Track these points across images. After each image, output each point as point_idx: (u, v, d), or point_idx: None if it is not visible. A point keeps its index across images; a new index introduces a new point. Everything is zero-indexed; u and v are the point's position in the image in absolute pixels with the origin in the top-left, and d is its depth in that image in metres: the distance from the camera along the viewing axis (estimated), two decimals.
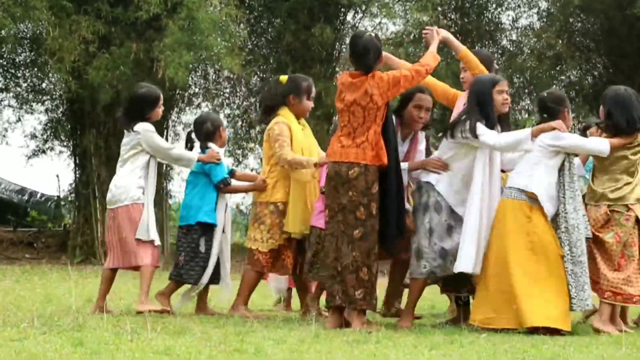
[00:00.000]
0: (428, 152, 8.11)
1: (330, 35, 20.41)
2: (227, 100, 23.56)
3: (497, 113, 7.60)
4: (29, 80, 21.71)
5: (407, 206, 7.82)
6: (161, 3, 17.16)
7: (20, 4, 16.89)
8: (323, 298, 8.72)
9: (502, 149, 7.50)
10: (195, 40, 17.29)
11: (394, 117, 7.74)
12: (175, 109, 22.10)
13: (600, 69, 23.21)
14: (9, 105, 22.22)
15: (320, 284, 8.22)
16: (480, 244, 7.39)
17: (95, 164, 19.84)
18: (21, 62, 21.37)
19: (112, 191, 8.10)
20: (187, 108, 23.13)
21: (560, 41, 22.12)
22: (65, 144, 22.08)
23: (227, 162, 8.42)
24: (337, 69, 21.91)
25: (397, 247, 7.50)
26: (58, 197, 24.34)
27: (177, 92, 20.65)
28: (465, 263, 7.38)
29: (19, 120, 22.28)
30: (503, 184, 7.65)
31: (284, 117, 8.23)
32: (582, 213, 7.40)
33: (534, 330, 7.13)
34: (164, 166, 20.37)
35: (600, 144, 7.49)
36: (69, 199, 23.09)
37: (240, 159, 22.76)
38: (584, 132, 8.60)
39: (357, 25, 22.05)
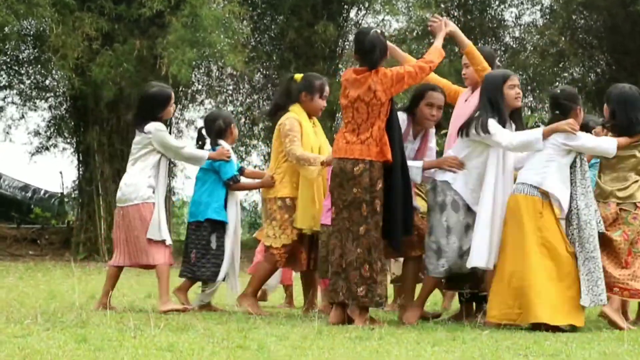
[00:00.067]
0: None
1: (333, 32, 20.44)
2: (230, 97, 23.59)
3: (511, 108, 7.58)
4: (32, 78, 21.74)
5: (418, 205, 7.82)
6: (164, 0, 17.17)
7: (23, 1, 16.90)
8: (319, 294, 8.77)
9: (514, 150, 7.49)
10: (198, 37, 17.32)
11: (405, 115, 7.75)
12: (179, 106, 22.11)
13: (603, 66, 23.21)
14: (13, 103, 22.25)
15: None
16: (492, 240, 7.37)
17: (99, 161, 19.86)
18: (24, 59, 21.39)
19: (122, 189, 8.06)
20: (190, 105, 23.17)
21: (563, 38, 22.14)
22: (68, 140, 22.11)
23: (233, 159, 8.43)
24: (340, 66, 21.94)
25: (402, 244, 7.44)
26: (61, 194, 24.36)
27: (180, 89, 20.69)
28: (478, 258, 7.37)
29: (22, 117, 22.32)
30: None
31: (295, 114, 8.24)
32: (595, 208, 7.39)
33: (536, 327, 7.14)
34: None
35: (612, 144, 7.48)
36: (73, 195, 23.12)
37: (244, 156, 22.79)
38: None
39: (360, 22, 22.08)
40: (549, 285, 7.21)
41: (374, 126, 7.25)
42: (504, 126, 7.44)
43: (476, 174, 7.56)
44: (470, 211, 7.55)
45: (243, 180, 8.58)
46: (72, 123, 21.44)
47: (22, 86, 21.86)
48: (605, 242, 7.49)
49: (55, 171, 49.04)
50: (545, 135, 7.37)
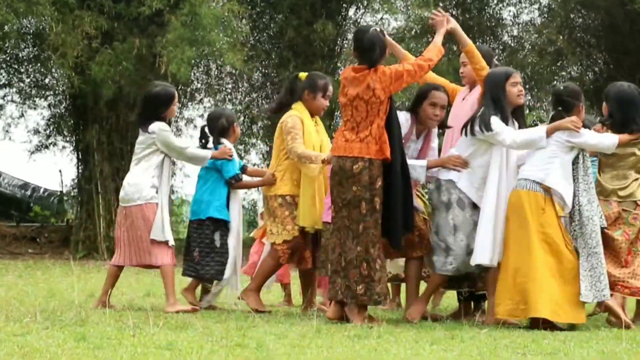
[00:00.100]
0: None
1: (332, 31, 20.44)
2: (229, 96, 23.59)
3: (513, 106, 7.59)
4: (32, 76, 21.73)
5: (419, 205, 7.81)
6: None
7: (23, 0, 16.91)
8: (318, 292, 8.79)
9: (518, 148, 7.49)
10: (197, 35, 17.31)
11: (409, 115, 7.76)
12: (178, 104, 22.08)
13: (601, 65, 23.22)
14: (12, 101, 22.24)
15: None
16: (496, 237, 7.38)
17: (98, 160, 19.86)
18: (24, 58, 21.39)
19: (125, 189, 8.04)
20: (189, 104, 23.18)
21: (561, 37, 22.14)
22: (68, 139, 22.10)
23: (235, 157, 8.44)
24: (339, 64, 21.94)
25: (402, 242, 7.43)
26: (61, 192, 24.37)
27: (180, 87, 20.67)
28: (482, 255, 7.38)
29: (22, 115, 22.31)
30: None
31: (298, 112, 8.26)
32: (597, 204, 7.40)
33: (534, 325, 7.16)
34: None
35: (614, 140, 7.49)
36: (72, 194, 23.12)
37: (243, 155, 22.79)
38: None
39: (358, 20, 22.09)
40: (552, 281, 7.21)
41: (373, 124, 7.26)
42: (506, 124, 7.45)
43: (481, 173, 7.55)
44: (476, 209, 7.53)
45: (245, 178, 8.59)
46: (72, 121, 21.44)
47: (21, 84, 21.86)
48: (606, 241, 7.50)
49: (55, 169, 48.95)
50: (549, 133, 7.38)
